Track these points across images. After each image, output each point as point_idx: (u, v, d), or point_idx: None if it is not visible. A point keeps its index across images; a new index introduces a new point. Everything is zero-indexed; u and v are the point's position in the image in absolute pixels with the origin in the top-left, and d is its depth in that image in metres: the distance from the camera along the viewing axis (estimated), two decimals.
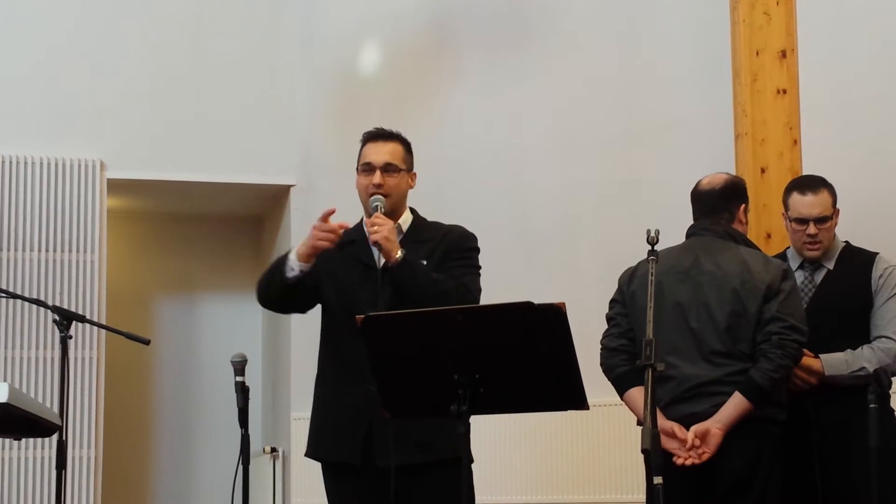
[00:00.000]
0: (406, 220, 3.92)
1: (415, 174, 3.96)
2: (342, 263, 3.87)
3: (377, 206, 3.78)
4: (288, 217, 6.64)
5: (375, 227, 3.70)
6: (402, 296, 3.70)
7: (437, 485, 3.69)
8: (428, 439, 3.67)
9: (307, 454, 3.92)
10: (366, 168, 3.86)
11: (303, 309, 4.05)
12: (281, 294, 3.90)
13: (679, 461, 3.84)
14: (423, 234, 3.89)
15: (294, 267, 3.80)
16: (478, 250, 3.95)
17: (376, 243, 3.69)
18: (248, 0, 6.39)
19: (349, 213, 3.99)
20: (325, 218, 3.77)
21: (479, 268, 3.94)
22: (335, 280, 3.88)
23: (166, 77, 6.22)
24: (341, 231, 3.78)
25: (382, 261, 3.78)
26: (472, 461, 3.73)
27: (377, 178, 3.82)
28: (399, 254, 3.70)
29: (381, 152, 3.86)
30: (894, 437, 3.86)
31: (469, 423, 3.11)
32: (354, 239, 3.88)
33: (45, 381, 5.93)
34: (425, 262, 3.78)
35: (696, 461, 3.85)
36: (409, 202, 3.98)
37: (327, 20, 6.41)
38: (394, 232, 3.74)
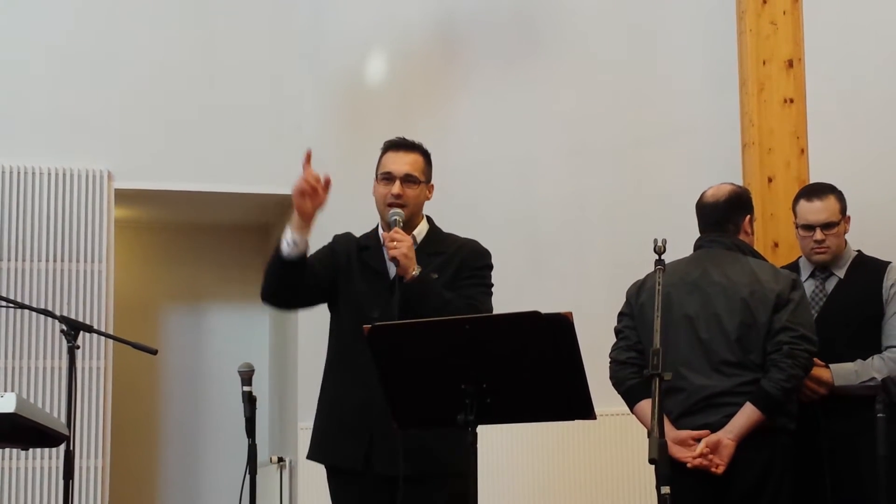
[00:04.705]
0: (421, 230, 3.88)
1: (432, 186, 3.94)
2: (356, 268, 3.84)
3: (396, 219, 3.75)
4: None
5: (395, 243, 3.66)
6: (411, 310, 3.64)
7: (437, 497, 3.66)
8: (431, 450, 3.64)
9: (309, 456, 3.91)
10: (386, 177, 3.84)
11: (308, 300, 3.90)
12: (281, 277, 3.68)
13: (690, 464, 3.84)
14: (437, 246, 3.85)
15: (290, 241, 3.61)
16: (491, 267, 3.90)
17: (394, 259, 3.65)
18: (255, 10, 6.39)
19: (356, 222, 3.99)
20: (308, 160, 3.65)
21: (492, 286, 3.88)
22: (348, 282, 3.85)
23: (173, 87, 6.22)
24: (322, 181, 3.61)
25: (394, 270, 3.76)
26: (476, 475, 3.74)
27: (396, 188, 3.80)
28: (416, 271, 3.66)
29: (403, 162, 3.84)
30: None
31: (476, 434, 3.11)
32: (369, 246, 3.87)
33: (53, 391, 5.92)
34: (436, 276, 3.74)
35: (709, 468, 3.85)
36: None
37: (334, 29, 6.41)
38: (412, 248, 3.70)
